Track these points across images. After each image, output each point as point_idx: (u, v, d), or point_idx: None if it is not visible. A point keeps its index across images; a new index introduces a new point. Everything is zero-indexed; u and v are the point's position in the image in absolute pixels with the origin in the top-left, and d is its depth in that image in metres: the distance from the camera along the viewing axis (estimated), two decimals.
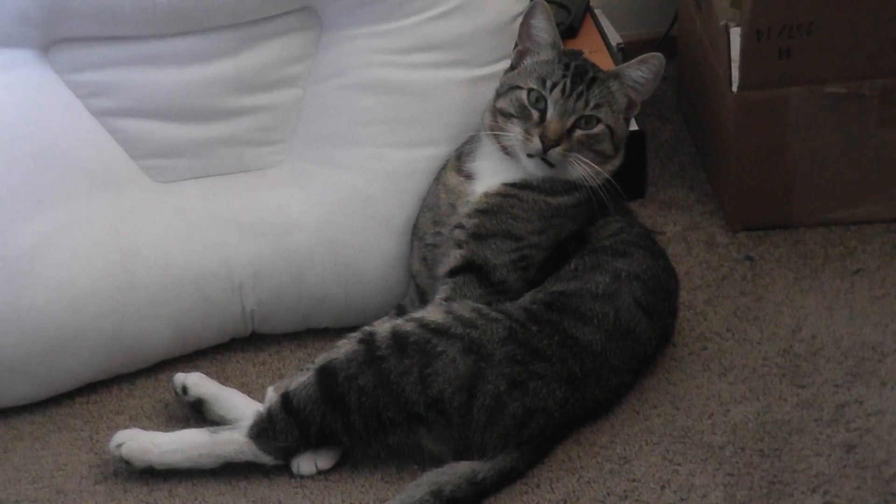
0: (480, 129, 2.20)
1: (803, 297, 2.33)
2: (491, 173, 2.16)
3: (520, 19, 2.20)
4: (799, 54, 2.37)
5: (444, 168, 2.25)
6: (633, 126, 2.45)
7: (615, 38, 2.83)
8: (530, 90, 2.10)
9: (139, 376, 2.21)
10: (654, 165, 2.73)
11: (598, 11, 2.91)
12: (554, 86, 2.09)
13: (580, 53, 2.24)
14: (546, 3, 2.14)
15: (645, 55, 2.13)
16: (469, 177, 2.18)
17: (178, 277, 2.18)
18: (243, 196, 2.26)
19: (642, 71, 2.13)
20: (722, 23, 2.41)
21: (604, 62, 2.54)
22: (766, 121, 2.43)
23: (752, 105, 2.42)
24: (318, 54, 2.27)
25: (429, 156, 2.27)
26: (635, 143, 2.49)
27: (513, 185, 2.14)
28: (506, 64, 2.24)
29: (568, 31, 2.75)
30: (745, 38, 2.35)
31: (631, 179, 2.47)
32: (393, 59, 2.24)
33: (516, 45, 2.20)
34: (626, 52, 2.75)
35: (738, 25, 2.37)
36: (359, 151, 2.26)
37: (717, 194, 2.63)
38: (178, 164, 2.24)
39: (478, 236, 2.11)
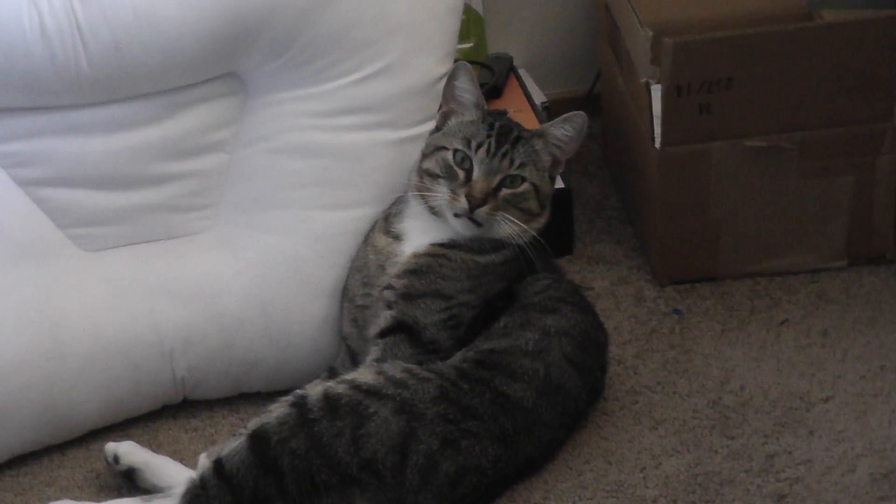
0: (407, 189, 2.21)
1: (731, 349, 2.35)
2: (419, 233, 2.17)
3: (444, 81, 2.23)
4: (719, 109, 2.40)
5: (372, 229, 2.25)
6: (560, 184, 2.47)
7: (539, 97, 2.85)
8: (456, 150, 2.12)
9: (70, 446, 2.18)
10: (581, 221, 2.73)
11: (521, 71, 2.93)
12: (479, 146, 2.11)
13: (504, 113, 2.28)
14: (469, 65, 2.17)
15: (568, 114, 2.15)
16: (397, 237, 2.19)
17: (108, 346, 2.17)
18: (172, 262, 2.24)
19: (566, 129, 2.15)
20: (643, 80, 2.44)
21: (528, 121, 2.56)
22: (690, 175, 2.46)
23: (674, 160, 2.44)
24: (243, 119, 2.27)
25: (357, 217, 2.27)
26: (562, 200, 2.51)
27: (441, 244, 2.15)
28: (431, 125, 2.27)
29: (492, 91, 2.77)
30: (665, 95, 2.38)
31: (558, 236, 2.50)
32: (319, 122, 2.25)
33: (441, 107, 2.23)
34: (550, 111, 2.78)
35: (658, 82, 2.39)
36: (287, 214, 2.26)
37: (643, 249, 2.65)
38: (105, 232, 2.23)
39: (407, 297, 2.11)
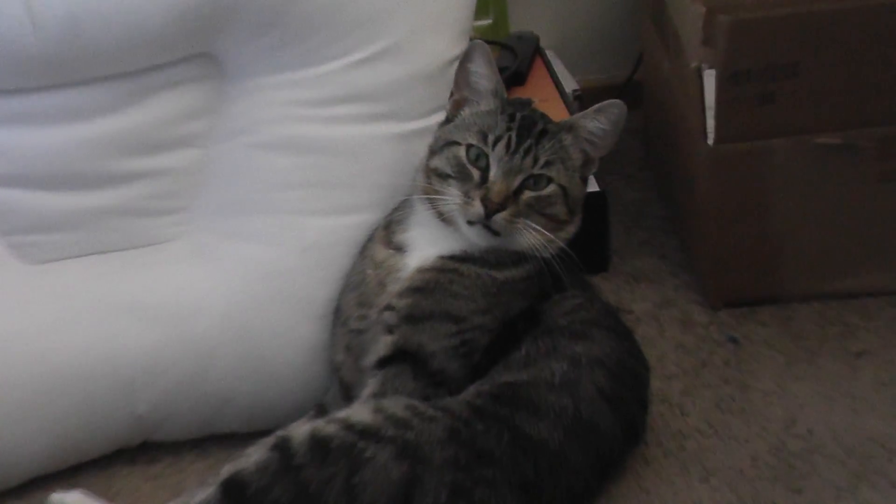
0: (412, 192, 2.21)
1: (797, 385, 2.34)
2: (425, 244, 2.17)
3: (456, 64, 2.23)
4: (783, 100, 2.39)
5: (370, 239, 2.25)
6: (593, 186, 2.47)
7: (570, 84, 2.87)
8: (469, 146, 2.12)
9: (8, 497, 2.17)
10: (618, 231, 2.74)
11: (549, 53, 2.95)
12: (497, 140, 2.10)
13: (528, 102, 2.26)
14: (486, 45, 2.16)
15: (603, 103, 2.13)
16: (400, 249, 2.19)
17: (56, 376, 2.16)
18: (134, 277, 2.24)
19: (600, 121, 2.15)
20: (693, 64, 2.43)
21: (557, 112, 2.55)
22: (748, 177, 2.46)
23: (730, 159, 2.44)
24: (221, 108, 2.29)
25: (354, 224, 2.27)
26: (595, 206, 2.51)
27: (451, 257, 2.14)
28: (441, 116, 2.27)
29: (514, 78, 2.79)
30: (720, 83, 2.38)
31: (591, 248, 2.50)
32: (310, 112, 2.26)
33: (452, 95, 2.24)
34: (583, 100, 2.79)
35: (711, 67, 2.39)
36: (272, 221, 2.26)
37: (692, 264, 2.65)
38: (55, 240, 2.23)
39: (411, 319, 2.10)
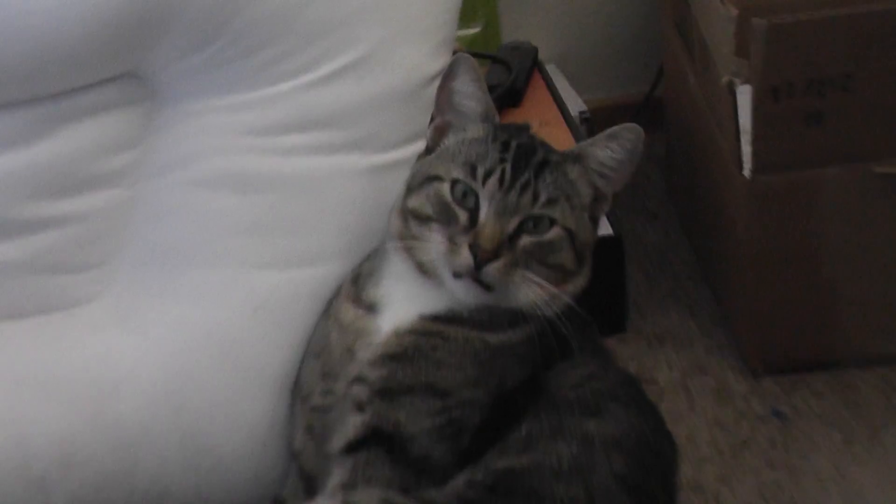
0: (386, 238, 2.18)
1: (858, 469, 2.35)
2: (403, 302, 2.13)
3: (437, 82, 2.21)
4: (834, 120, 2.42)
5: (336, 296, 2.23)
6: (606, 228, 2.47)
7: (576, 104, 2.89)
8: (455, 182, 2.08)
9: None
10: (637, 282, 2.77)
11: (549, 67, 2.98)
12: (488, 174, 2.06)
13: (526, 127, 2.24)
14: (472, 59, 2.14)
15: (616, 127, 2.12)
16: (372, 308, 2.15)
17: None
18: (45, 347, 2.22)
19: (613, 149, 2.12)
20: (724, 79, 2.45)
21: (560, 139, 2.57)
22: (793, 215, 2.48)
23: (771, 193, 2.46)
24: (150, 139, 2.27)
25: (315, 277, 2.26)
26: (609, 252, 2.49)
27: (434, 317, 2.10)
28: (420, 146, 2.25)
29: (508, 97, 2.80)
30: (757, 100, 2.39)
31: (605, 304, 2.50)
32: (259, 142, 2.24)
33: (433, 119, 2.21)
34: (591, 124, 2.81)
35: (746, 82, 2.40)
36: (214, 275, 2.24)
37: (728, 321, 2.66)
38: None
39: (387, 393, 2.06)
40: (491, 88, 2.22)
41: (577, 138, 2.61)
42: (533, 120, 2.56)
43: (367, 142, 2.28)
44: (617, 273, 2.59)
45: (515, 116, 2.72)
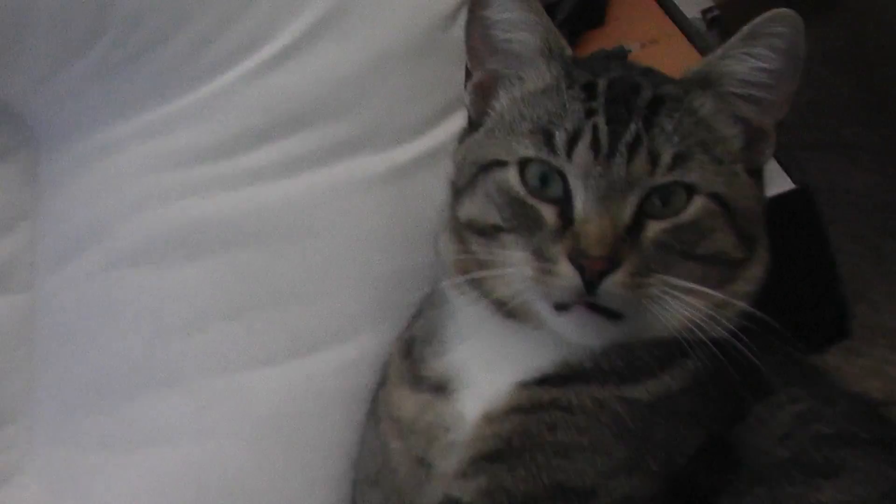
0: (439, 276, 2.03)
1: None
2: (488, 368, 2.00)
3: (462, 18, 2.07)
4: None
5: (382, 385, 2.11)
6: (782, 181, 2.39)
7: (695, 2, 2.78)
8: (525, 163, 1.93)
9: None
10: (851, 257, 2.59)
11: None
12: (573, 140, 1.91)
13: (620, 54, 2.32)
14: None
15: (758, 20, 1.94)
16: (443, 388, 2.01)
17: None
18: None
19: (758, 56, 1.97)
20: None
21: (677, 57, 2.53)
22: None
23: None
24: (36, 209, 2.24)
25: (337, 364, 2.17)
26: (795, 217, 2.42)
27: (542, 380, 1.95)
28: (455, 123, 2.17)
29: (585, 13, 2.70)
30: None
31: (806, 299, 2.38)
32: (200, 173, 2.16)
33: (469, 75, 2.06)
34: (722, 24, 2.72)
35: None
36: (179, 399, 2.18)
37: None
38: None
39: None
40: (550, 6, 2.09)
41: (703, 51, 2.52)
42: (630, 40, 2.60)
43: (370, 136, 2.17)
44: (816, 246, 2.45)
45: (601, 40, 2.64)
